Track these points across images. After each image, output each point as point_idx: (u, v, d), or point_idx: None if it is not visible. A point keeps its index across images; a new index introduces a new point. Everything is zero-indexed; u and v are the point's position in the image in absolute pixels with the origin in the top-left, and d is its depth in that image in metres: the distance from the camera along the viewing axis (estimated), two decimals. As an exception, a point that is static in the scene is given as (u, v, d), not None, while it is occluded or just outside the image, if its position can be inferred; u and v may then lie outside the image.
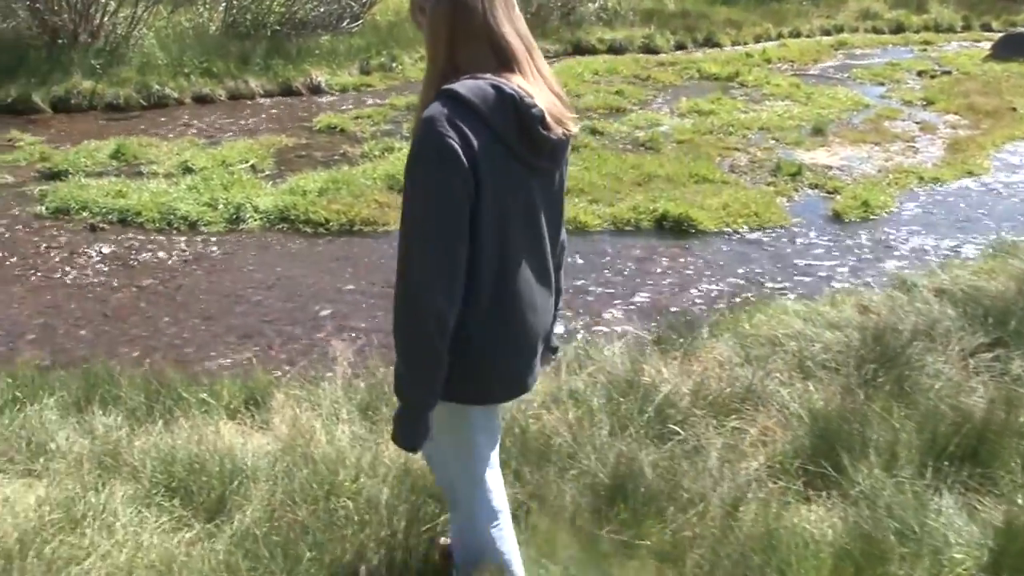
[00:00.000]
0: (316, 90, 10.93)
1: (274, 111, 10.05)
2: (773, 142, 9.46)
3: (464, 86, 1.89)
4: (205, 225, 6.66)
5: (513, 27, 1.96)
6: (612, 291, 5.85)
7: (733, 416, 3.52)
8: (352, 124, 9.35)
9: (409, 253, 1.91)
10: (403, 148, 8.43)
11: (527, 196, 2.00)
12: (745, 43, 15.51)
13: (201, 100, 10.26)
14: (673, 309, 5.48)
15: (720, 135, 9.65)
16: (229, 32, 11.43)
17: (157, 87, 9.88)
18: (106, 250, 6.30)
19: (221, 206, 6.82)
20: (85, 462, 3.13)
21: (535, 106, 1.92)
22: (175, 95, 10.04)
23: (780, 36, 16.06)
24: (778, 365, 3.98)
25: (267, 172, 7.83)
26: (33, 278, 5.93)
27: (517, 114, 1.90)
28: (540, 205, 2.04)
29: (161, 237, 6.52)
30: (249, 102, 10.38)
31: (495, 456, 2.23)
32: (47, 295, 5.73)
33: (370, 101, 10.57)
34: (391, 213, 6.96)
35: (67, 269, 6.06)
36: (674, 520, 2.79)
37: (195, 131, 9.09)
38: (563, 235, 2.24)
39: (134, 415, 3.51)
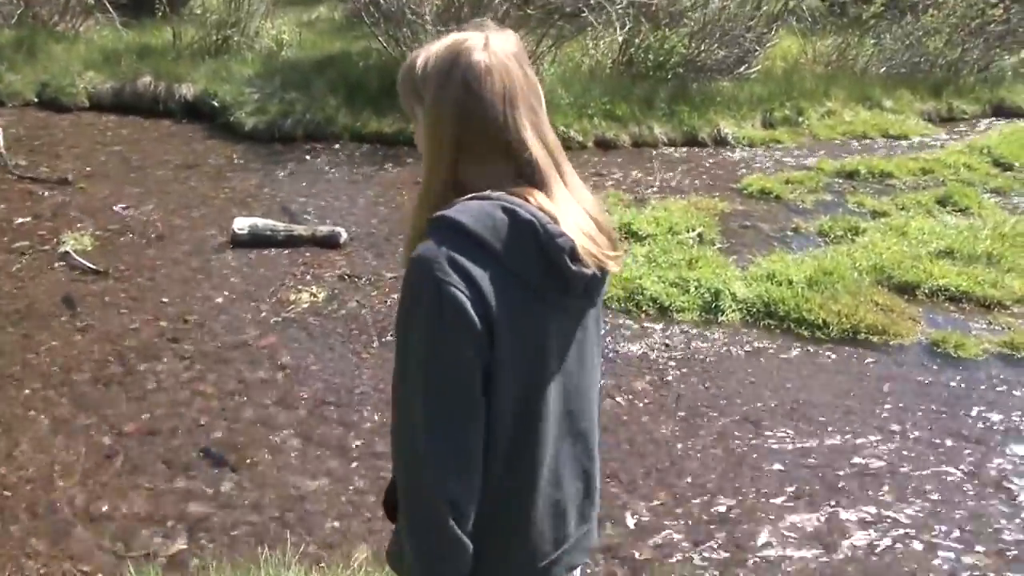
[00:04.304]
0: (722, 142, 9.80)
1: (685, 165, 9.02)
2: None
3: (466, 212, 1.46)
4: (678, 312, 5.63)
5: (537, 131, 1.52)
6: None
7: None
8: (786, 190, 8.10)
9: (409, 433, 1.47)
10: (867, 230, 7.09)
11: (557, 345, 1.55)
12: None
13: (603, 145, 9.43)
14: None
15: None
16: (625, 73, 10.60)
17: (563, 128, 9.14)
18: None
19: (692, 289, 5.77)
20: None
21: (562, 234, 1.48)
22: (579, 138, 9.27)
23: None
24: None
25: (717, 245, 6.73)
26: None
27: (538, 246, 1.47)
28: (574, 351, 1.59)
29: (630, 321, 5.55)
30: (654, 151, 9.43)
31: None
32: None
33: (788, 161, 9.29)
34: (900, 323, 5.61)
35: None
36: None
37: (612, 183, 8.22)
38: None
39: None
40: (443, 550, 1.50)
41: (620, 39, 10.81)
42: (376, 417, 4.44)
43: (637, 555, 3.62)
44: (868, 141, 10.38)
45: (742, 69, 11.08)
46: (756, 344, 5.37)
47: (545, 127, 1.56)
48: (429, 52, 1.55)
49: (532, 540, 1.62)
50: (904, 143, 10.40)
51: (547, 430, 1.58)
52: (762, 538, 3.76)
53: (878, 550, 3.73)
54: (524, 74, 1.53)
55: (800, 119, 10.62)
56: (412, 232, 1.58)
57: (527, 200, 1.49)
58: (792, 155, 9.60)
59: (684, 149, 9.59)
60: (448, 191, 1.54)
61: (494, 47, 1.51)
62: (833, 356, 5.28)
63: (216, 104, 9.46)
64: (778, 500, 3.99)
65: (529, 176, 1.52)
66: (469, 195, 1.50)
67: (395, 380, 1.52)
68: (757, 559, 3.64)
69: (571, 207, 1.54)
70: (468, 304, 1.42)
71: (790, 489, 4.07)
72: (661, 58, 10.50)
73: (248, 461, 4.08)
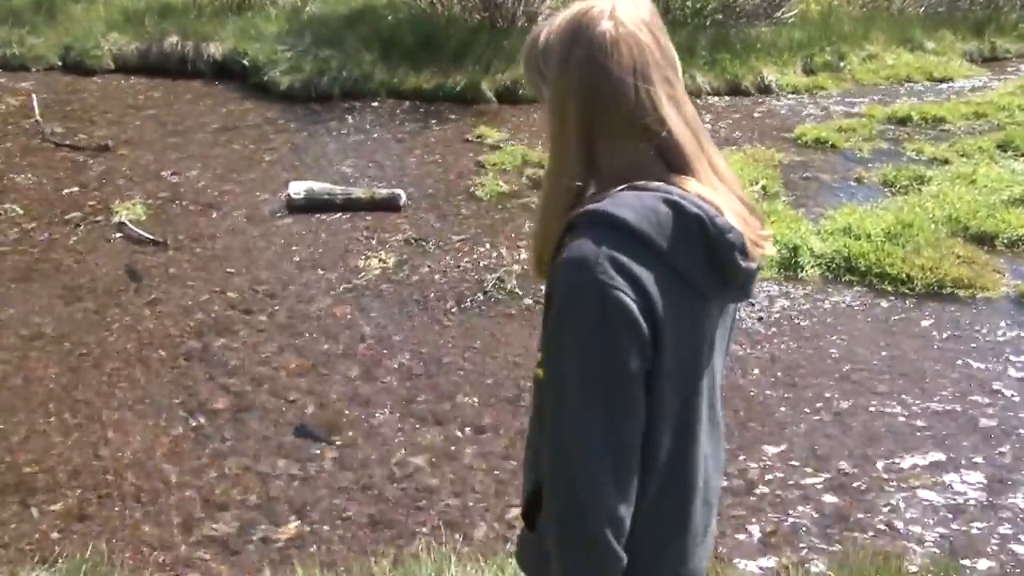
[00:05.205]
0: (765, 90, 9.55)
1: (732, 115, 8.80)
2: None
3: (627, 206, 1.30)
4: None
5: (676, 106, 1.35)
6: None
7: None
8: (840, 139, 7.89)
9: (565, 445, 1.33)
10: (934, 179, 6.90)
11: (710, 340, 1.43)
12: None
13: (646, 96, 9.17)
14: None
15: None
16: (662, 20, 10.29)
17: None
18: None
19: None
20: None
21: (731, 229, 1.33)
22: (621, 90, 9.02)
23: None
24: None
25: (783, 198, 6.55)
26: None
27: (707, 242, 1.32)
28: (718, 347, 1.47)
29: (709, 281, 5.40)
30: (699, 100, 9.19)
31: None
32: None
33: (836, 108, 9.06)
34: (985, 275, 5.46)
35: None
36: None
37: (662, 136, 8.00)
38: None
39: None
40: (599, 569, 1.40)
41: (654, -15, 10.49)
42: (469, 388, 4.31)
43: (760, 527, 3.52)
44: (912, 85, 10.13)
45: (778, 14, 10.79)
46: (841, 300, 5.23)
47: (683, 99, 1.40)
48: (552, 24, 1.40)
49: (688, 537, 1.55)
50: (949, 86, 10.15)
51: (703, 427, 1.49)
52: (883, 502, 3.65)
53: (1000, 512, 3.62)
54: (657, 43, 1.37)
55: (842, 64, 10.35)
56: (546, 224, 1.43)
57: (683, 187, 1.35)
58: (838, 102, 9.36)
59: (728, 98, 9.35)
60: (585, 177, 1.40)
61: (621, 15, 1.35)
62: (922, 311, 5.14)
63: (247, 64, 9.21)
64: (894, 462, 3.88)
65: (672, 157, 1.37)
66: (623, 185, 1.35)
67: (550, 391, 1.37)
68: (881, 525, 3.53)
69: (725, 193, 1.40)
70: (635, 310, 1.28)
71: (903, 450, 3.96)
72: (699, 4, 10.21)
73: (346, 438, 3.96)
